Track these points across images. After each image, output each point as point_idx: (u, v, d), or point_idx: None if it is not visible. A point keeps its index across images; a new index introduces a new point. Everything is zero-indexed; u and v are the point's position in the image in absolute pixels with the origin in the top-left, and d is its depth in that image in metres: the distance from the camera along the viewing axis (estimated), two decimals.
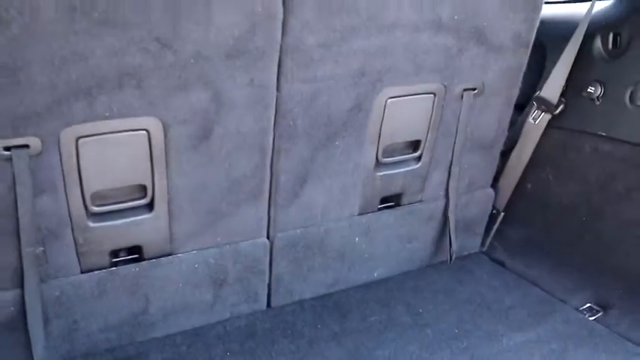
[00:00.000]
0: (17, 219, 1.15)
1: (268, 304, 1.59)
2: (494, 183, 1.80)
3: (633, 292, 1.48)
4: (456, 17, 1.36)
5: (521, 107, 1.74)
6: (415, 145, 1.56)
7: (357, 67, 1.32)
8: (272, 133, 1.33)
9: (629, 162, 1.49)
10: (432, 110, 1.50)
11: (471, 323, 1.49)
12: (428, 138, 1.54)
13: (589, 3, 1.62)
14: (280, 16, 1.18)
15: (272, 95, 1.27)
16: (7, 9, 0.97)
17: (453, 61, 1.43)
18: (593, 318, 1.50)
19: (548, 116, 1.65)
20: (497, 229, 1.84)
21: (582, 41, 1.57)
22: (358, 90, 1.35)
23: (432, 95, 1.47)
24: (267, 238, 1.49)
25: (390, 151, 1.53)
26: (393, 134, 1.49)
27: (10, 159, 1.08)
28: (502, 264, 1.79)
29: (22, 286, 1.22)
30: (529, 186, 1.77)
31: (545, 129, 1.67)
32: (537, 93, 1.66)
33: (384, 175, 1.54)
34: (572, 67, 1.59)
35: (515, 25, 1.46)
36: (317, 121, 1.35)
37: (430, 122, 1.51)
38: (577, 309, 1.53)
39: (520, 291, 1.63)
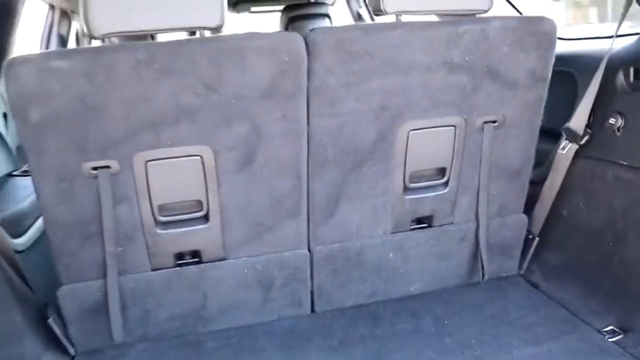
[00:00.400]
0: (101, 224, 1.49)
1: (312, 310, 1.81)
2: (530, 209, 1.91)
3: None
4: (467, 58, 1.54)
5: (557, 136, 1.85)
6: (442, 171, 1.73)
7: (377, 104, 1.54)
8: (306, 159, 1.58)
9: None
10: (454, 141, 1.67)
11: (490, 336, 1.61)
12: (453, 166, 1.71)
13: (618, 39, 1.71)
14: (305, 63, 1.45)
15: (303, 128, 1.53)
16: (93, 65, 1.32)
17: (468, 97, 1.60)
18: (613, 340, 1.55)
19: (575, 146, 1.75)
20: (534, 253, 1.93)
21: (607, 75, 1.67)
22: (380, 123, 1.57)
23: (452, 127, 1.65)
24: (308, 250, 1.73)
25: (417, 177, 1.71)
26: (418, 162, 1.68)
27: (96, 177, 1.43)
28: (536, 286, 1.88)
29: (104, 277, 1.55)
30: (564, 212, 1.86)
31: (574, 158, 1.77)
32: (566, 124, 1.76)
33: (412, 198, 1.73)
34: (597, 99, 1.69)
35: (530, 63, 1.60)
36: (345, 149, 1.59)
37: (454, 151, 1.69)
38: (598, 331, 1.60)
39: (546, 310, 1.72)
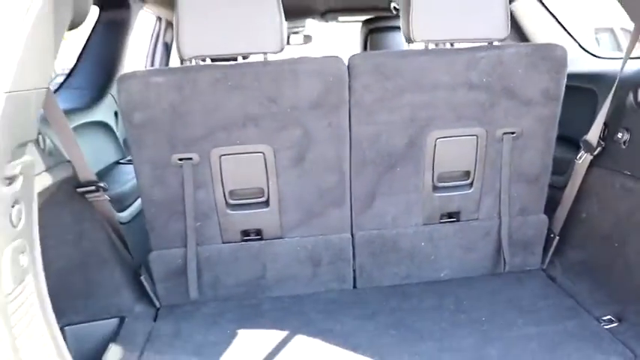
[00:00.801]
0: (184, 204, 1.90)
1: (354, 286, 2.15)
2: (552, 211, 2.14)
3: None
4: (484, 80, 1.82)
5: (579, 147, 2.07)
6: (467, 174, 2.01)
7: (407, 116, 1.86)
8: (348, 159, 1.92)
9: None
10: (477, 148, 1.95)
11: (499, 315, 1.87)
12: (477, 169, 1.99)
13: (635, 61, 1.92)
14: (346, 82, 1.79)
15: (345, 134, 1.87)
16: (182, 81, 1.73)
17: (487, 111, 1.88)
18: (607, 327, 1.77)
19: (590, 156, 1.96)
20: (555, 250, 2.16)
21: (621, 94, 1.88)
22: (410, 132, 1.88)
23: (475, 137, 1.93)
24: (351, 234, 2.06)
25: (444, 178, 2.01)
26: (445, 165, 1.97)
27: (181, 166, 1.84)
28: (554, 279, 2.11)
29: (185, 246, 1.97)
30: (582, 215, 2.08)
31: (589, 167, 1.99)
32: (584, 137, 1.98)
33: (441, 196, 2.02)
34: (611, 115, 1.90)
35: (543, 84, 1.85)
36: (380, 153, 1.91)
37: (477, 157, 1.96)
38: (597, 319, 1.82)
39: (555, 300, 1.96)
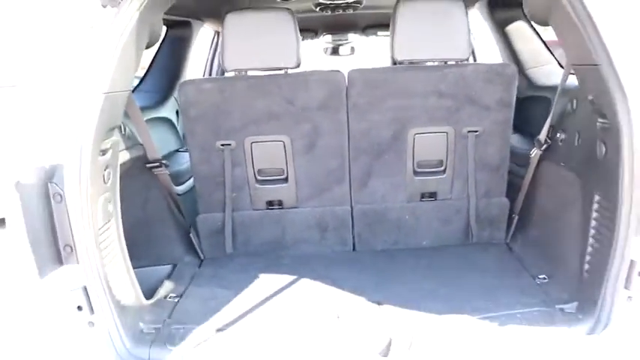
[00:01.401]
0: (224, 179, 2.55)
1: (354, 248, 2.73)
2: (515, 195, 2.65)
3: (566, 269, 2.21)
4: (451, 90, 2.38)
5: None
6: (440, 162, 2.57)
7: (391, 116, 2.44)
8: (347, 148, 2.52)
9: (573, 184, 2.25)
10: (447, 143, 2.51)
11: (458, 271, 2.41)
12: (448, 159, 2.54)
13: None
14: (345, 89, 2.39)
15: (344, 128, 2.48)
16: (223, 87, 2.38)
17: (453, 115, 2.44)
18: (539, 282, 2.27)
19: (539, 152, 2.47)
20: (516, 227, 2.68)
21: (564, 101, 2.38)
22: (393, 128, 2.46)
23: (445, 133, 2.49)
24: (350, 207, 2.65)
25: (423, 165, 2.57)
26: (422, 155, 2.54)
27: (222, 150, 2.49)
28: (512, 250, 2.63)
29: (224, 211, 2.61)
30: (535, 198, 2.58)
31: (540, 160, 2.49)
32: (537, 136, 2.49)
33: (420, 179, 2.59)
34: (555, 119, 2.40)
35: (497, 94, 2.40)
36: (371, 143, 2.50)
37: (447, 150, 2.52)
38: (533, 276, 2.32)
39: (507, 264, 2.48)
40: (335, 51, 6.61)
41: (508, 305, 2.06)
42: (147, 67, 3.69)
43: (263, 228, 2.67)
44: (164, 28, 3.65)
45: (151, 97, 3.36)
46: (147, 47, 2.25)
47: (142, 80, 3.58)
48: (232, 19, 2.36)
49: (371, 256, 2.66)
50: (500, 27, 3.41)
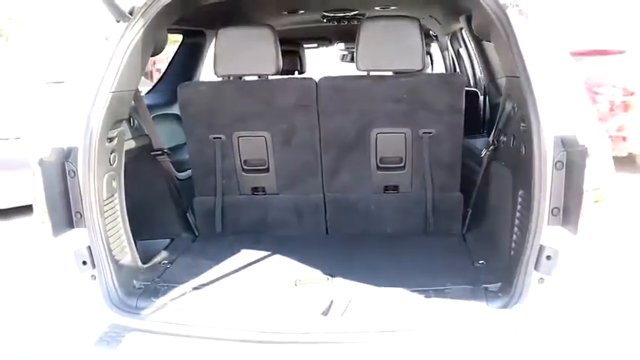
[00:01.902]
0: (215, 168, 2.99)
1: (327, 232, 3.14)
2: (471, 190, 3.01)
3: (499, 255, 2.54)
4: (405, 96, 2.77)
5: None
6: (400, 159, 2.95)
7: (355, 118, 2.85)
8: (319, 144, 2.93)
9: (508, 181, 2.59)
10: (405, 142, 2.89)
11: (411, 255, 2.78)
12: (407, 156, 2.93)
13: None
14: (315, 93, 2.81)
15: (316, 126, 2.89)
16: (216, 90, 2.83)
17: (410, 118, 2.82)
18: (475, 265, 2.60)
19: (488, 152, 2.83)
20: (470, 219, 3.04)
21: (507, 107, 2.72)
22: (358, 128, 2.87)
23: (403, 134, 2.87)
24: (323, 195, 3.06)
25: (385, 161, 2.96)
26: (384, 152, 2.93)
27: (214, 143, 2.94)
28: (465, 239, 2.98)
29: (215, 195, 3.06)
30: (486, 194, 2.93)
31: (490, 160, 2.84)
32: (488, 138, 2.86)
33: (383, 173, 2.98)
34: (501, 122, 2.75)
35: (448, 101, 2.77)
36: (339, 140, 2.91)
37: (406, 148, 2.90)
38: (473, 261, 2.65)
39: (455, 251, 2.80)
40: (352, 58, 7.07)
41: (441, 282, 2.36)
42: (164, 70, 4.20)
43: (249, 211, 3.11)
44: (180, 36, 4.20)
45: (163, 96, 3.84)
46: (152, 55, 2.72)
47: (158, 81, 4.07)
48: (224, 33, 2.81)
49: (340, 239, 3.05)
50: (478, 41, 3.79)
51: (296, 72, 5.12)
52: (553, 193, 2.03)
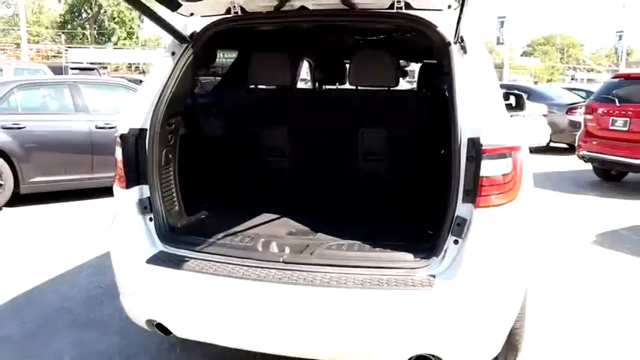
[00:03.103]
0: (249, 152, 4.04)
1: (324, 207, 4.10)
2: (428, 177, 3.89)
3: (437, 227, 3.40)
4: (383, 105, 3.71)
5: None
6: (380, 153, 3.88)
7: (347, 120, 3.82)
8: (322, 139, 3.91)
9: (445, 173, 3.45)
10: (383, 140, 3.81)
11: (377, 222, 3.68)
12: (385, 151, 3.84)
13: None
14: (319, 101, 3.80)
15: (320, 126, 3.87)
16: (250, 95, 3.88)
17: (386, 121, 3.76)
18: (419, 233, 3.49)
19: (444, 152, 3.69)
20: (428, 197, 3.90)
21: None
22: (350, 128, 3.83)
23: (382, 134, 3.80)
24: (323, 176, 4.03)
25: (370, 153, 3.90)
26: (368, 147, 3.86)
27: (249, 134, 3.98)
28: (427, 216, 3.85)
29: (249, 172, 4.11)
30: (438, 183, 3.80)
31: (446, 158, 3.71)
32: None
33: (367, 163, 3.92)
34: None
35: (411, 110, 3.68)
36: (337, 136, 3.89)
37: (384, 144, 3.83)
38: (421, 230, 3.53)
39: (413, 222, 3.68)
40: None
41: (392, 238, 3.08)
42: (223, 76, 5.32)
43: (272, 184, 4.13)
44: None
45: (218, 98, 4.93)
46: (205, 67, 3.80)
47: (215, 87, 5.18)
48: (255, 56, 3.85)
49: (333, 212, 3.98)
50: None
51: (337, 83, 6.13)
52: (466, 179, 2.87)
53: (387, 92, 3.73)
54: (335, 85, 5.79)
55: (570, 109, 15.64)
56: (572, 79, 50.31)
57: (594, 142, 10.64)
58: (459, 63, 3.00)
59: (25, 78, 10.78)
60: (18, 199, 8.19)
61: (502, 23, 45.87)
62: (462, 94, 2.92)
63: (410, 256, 2.93)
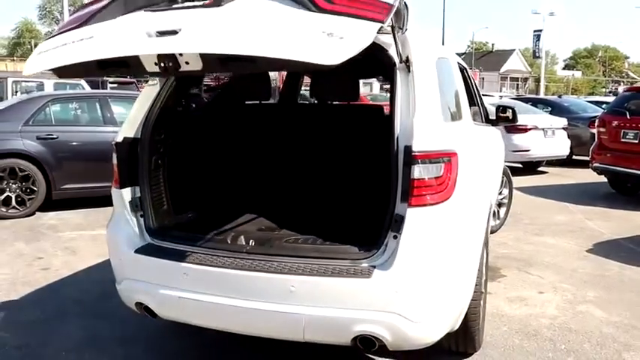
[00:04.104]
0: (233, 158, 4.55)
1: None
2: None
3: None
4: (348, 117, 4.15)
5: None
6: (346, 155, 4.32)
7: (315, 126, 4.27)
8: (294, 143, 4.39)
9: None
10: (342, 151, 4.26)
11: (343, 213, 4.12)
12: (341, 161, 4.29)
13: None
14: (289, 114, 4.29)
15: (292, 134, 4.35)
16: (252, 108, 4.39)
17: (348, 128, 4.19)
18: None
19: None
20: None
21: None
22: (317, 132, 4.28)
23: (342, 146, 4.25)
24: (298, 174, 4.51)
25: (329, 166, 4.34)
26: (335, 150, 4.31)
27: (232, 145, 4.49)
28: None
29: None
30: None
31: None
32: None
33: (328, 171, 4.37)
34: None
35: (370, 121, 4.10)
36: (306, 143, 4.34)
37: (341, 155, 4.27)
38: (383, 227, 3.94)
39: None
40: None
41: (333, 235, 3.58)
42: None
43: (248, 190, 4.62)
44: None
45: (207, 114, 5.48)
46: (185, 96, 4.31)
47: (205, 104, 5.72)
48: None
49: (296, 213, 4.42)
50: None
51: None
52: (403, 182, 3.28)
53: (348, 106, 4.19)
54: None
55: (592, 122, 15.66)
56: (612, 92, 49.30)
57: (607, 155, 10.77)
58: (402, 80, 3.39)
59: (59, 92, 11.58)
60: (50, 204, 8.89)
61: (538, 37, 45.62)
62: (401, 107, 3.33)
63: (355, 249, 3.34)
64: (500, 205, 8.24)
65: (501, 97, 21.84)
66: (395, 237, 3.12)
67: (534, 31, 46.31)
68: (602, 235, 8.11)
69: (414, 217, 3.19)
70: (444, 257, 3.29)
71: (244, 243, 3.59)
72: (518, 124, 13.73)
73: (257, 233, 3.85)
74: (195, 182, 4.59)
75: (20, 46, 70.94)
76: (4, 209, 8.50)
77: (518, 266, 6.61)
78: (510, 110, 6.65)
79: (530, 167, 15.18)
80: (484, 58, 78.03)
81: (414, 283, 3.18)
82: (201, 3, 2.72)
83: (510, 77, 72.56)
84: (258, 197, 4.64)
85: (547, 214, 9.49)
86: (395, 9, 2.80)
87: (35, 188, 8.66)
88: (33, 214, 8.77)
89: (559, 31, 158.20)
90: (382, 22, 2.63)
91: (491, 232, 7.77)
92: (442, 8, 50.83)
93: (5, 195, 8.47)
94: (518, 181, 12.92)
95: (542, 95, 29.68)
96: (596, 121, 11.60)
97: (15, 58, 43.59)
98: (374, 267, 3.21)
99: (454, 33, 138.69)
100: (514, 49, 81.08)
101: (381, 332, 3.19)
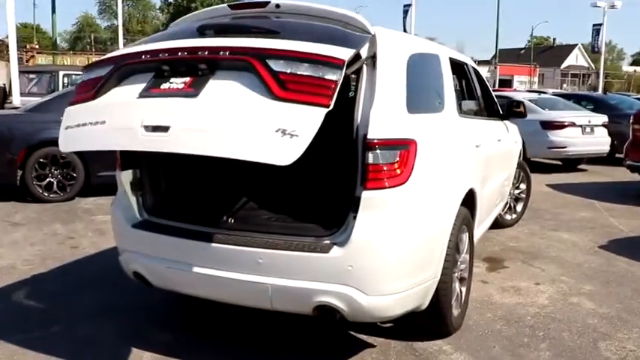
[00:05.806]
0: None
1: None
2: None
3: None
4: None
5: None
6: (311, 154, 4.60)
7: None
8: None
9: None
10: (315, 143, 4.53)
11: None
12: (313, 151, 4.55)
13: None
14: None
15: None
16: None
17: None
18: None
19: None
20: None
21: None
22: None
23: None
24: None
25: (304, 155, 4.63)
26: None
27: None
28: None
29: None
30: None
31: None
32: None
33: (303, 160, 4.64)
34: None
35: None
36: None
37: (315, 146, 4.53)
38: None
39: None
40: None
41: (302, 216, 3.83)
42: None
43: (233, 180, 4.97)
44: None
45: None
46: None
47: None
48: None
49: (273, 196, 4.68)
50: None
51: None
52: (361, 167, 3.55)
53: None
54: None
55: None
56: None
57: None
58: (368, 75, 3.65)
59: None
60: (90, 190, 9.57)
61: (598, 31, 44.05)
62: (363, 99, 3.62)
63: (320, 228, 3.67)
64: (517, 199, 8.33)
65: (553, 93, 21.41)
66: (354, 217, 3.38)
67: (593, 25, 44.67)
68: (621, 232, 8.03)
69: (369, 199, 3.48)
70: (399, 237, 3.55)
71: (225, 220, 3.97)
72: (554, 120, 13.73)
73: (239, 212, 4.21)
74: (189, 165, 4.94)
75: (80, 40, 74.12)
76: (46, 194, 9.20)
77: (524, 259, 6.67)
78: (522, 106, 6.78)
79: (570, 165, 14.96)
80: (545, 53, 75.96)
81: (367, 258, 3.47)
82: (183, 92, 3.20)
83: (571, 73, 70.26)
84: (243, 179, 4.94)
85: (571, 211, 9.44)
86: (340, 83, 3.02)
87: (75, 175, 9.31)
88: (73, 198, 9.44)
89: (628, 25, 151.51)
90: (327, 106, 2.98)
91: (507, 226, 7.93)
92: (496, 3, 49.80)
93: (47, 180, 9.22)
94: (554, 178, 12.88)
95: (600, 92, 28.76)
96: (631, 117, 11.36)
97: (75, 52, 45.64)
98: (335, 244, 3.51)
99: (515, 27, 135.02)
100: (576, 44, 78.42)
101: (338, 303, 3.48)
